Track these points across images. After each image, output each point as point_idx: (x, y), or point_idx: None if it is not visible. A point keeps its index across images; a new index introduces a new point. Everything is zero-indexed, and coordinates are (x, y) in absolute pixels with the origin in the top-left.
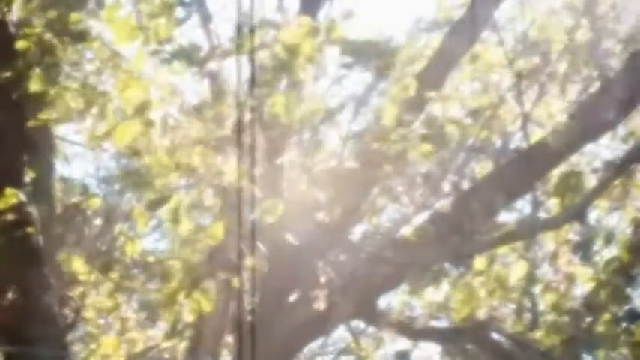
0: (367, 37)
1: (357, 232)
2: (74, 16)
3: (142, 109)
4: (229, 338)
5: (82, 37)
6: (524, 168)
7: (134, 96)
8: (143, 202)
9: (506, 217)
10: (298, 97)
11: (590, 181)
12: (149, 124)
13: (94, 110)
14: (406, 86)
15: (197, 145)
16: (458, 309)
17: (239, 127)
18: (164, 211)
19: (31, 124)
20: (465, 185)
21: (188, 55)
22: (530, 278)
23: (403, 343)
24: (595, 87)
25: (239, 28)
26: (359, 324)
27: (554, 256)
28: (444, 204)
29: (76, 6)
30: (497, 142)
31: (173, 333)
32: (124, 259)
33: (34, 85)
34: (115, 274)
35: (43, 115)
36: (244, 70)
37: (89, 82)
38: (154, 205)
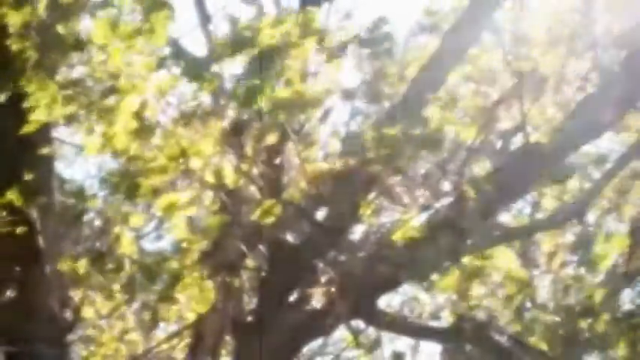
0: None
1: (357, 232)
2: (69, 27)
3: (139, 112)
4: (229, 338)
5: (77, 46)
6: (523, 168)
7: (131, 99)
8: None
9: (505, 217)
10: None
11: (589, 180)
12: (146, 127)
13: (91, 114)
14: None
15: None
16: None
17: (237, 127)
18: (160, 208)
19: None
20: (464, 185)
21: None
22: (529, 278)
23: (403, 343)
24: (593, 87)
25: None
26: (359, 324)
27: (552, 256)
28: (442, 204)
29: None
30: (497, 142)
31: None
32: (122, 260)
33: (30, 87)
34: (112, 275)
35: (38, 117)
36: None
37: (85, 85)
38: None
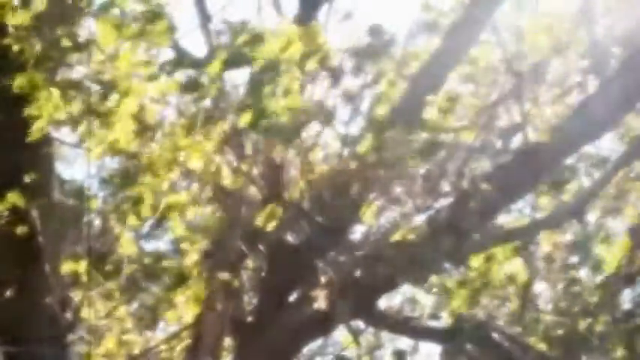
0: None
1: (357, 232)
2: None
3: (139, 113)
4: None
5: (78, 48)
6: (524, 168)
7: (130, 100)
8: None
9: (505, 218)
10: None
11: (588, 180)
12: (146, 127)
13: (91, 116)
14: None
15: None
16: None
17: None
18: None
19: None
20: (464, 185)
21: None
22: (528, 279)
23: (403, 343)
24: (594, 87)
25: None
26: (359, 324)
27: (551, 257)
28: (442, 204)
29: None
30: (497, 142)
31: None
32: (121, 260)
33: (29, 86)
34: (112, 275)
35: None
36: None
37: (84, 86)
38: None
